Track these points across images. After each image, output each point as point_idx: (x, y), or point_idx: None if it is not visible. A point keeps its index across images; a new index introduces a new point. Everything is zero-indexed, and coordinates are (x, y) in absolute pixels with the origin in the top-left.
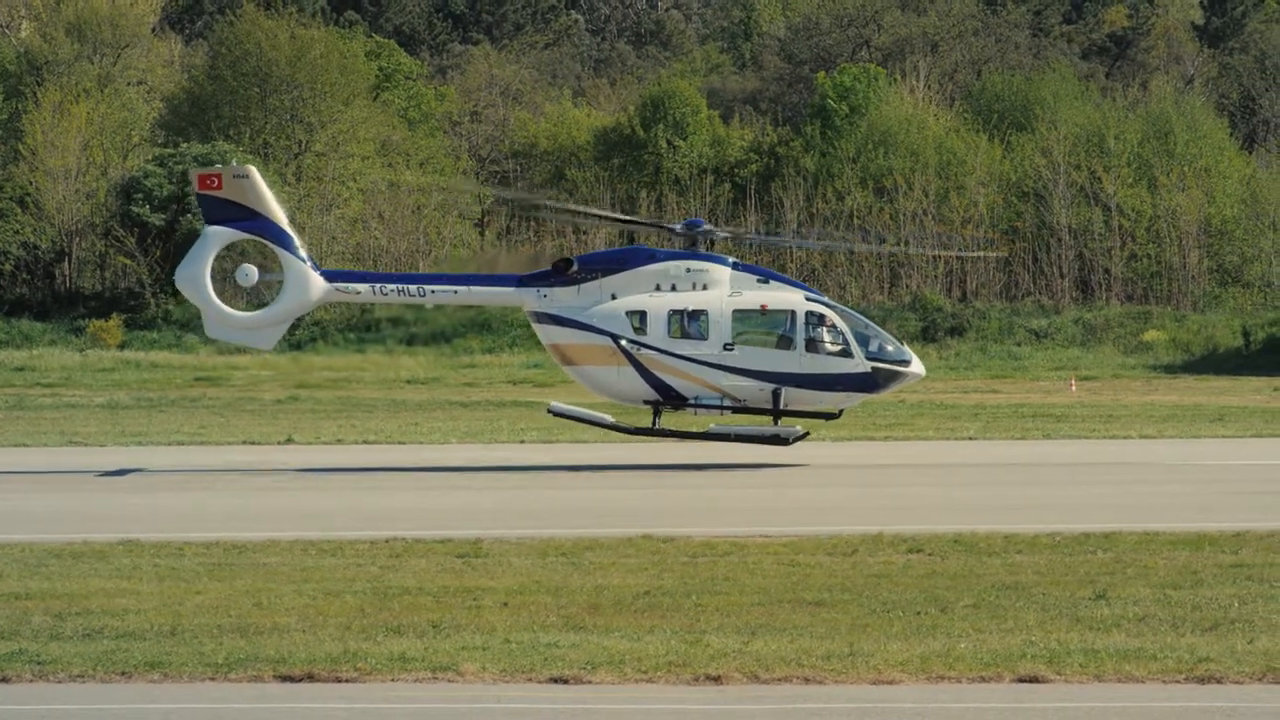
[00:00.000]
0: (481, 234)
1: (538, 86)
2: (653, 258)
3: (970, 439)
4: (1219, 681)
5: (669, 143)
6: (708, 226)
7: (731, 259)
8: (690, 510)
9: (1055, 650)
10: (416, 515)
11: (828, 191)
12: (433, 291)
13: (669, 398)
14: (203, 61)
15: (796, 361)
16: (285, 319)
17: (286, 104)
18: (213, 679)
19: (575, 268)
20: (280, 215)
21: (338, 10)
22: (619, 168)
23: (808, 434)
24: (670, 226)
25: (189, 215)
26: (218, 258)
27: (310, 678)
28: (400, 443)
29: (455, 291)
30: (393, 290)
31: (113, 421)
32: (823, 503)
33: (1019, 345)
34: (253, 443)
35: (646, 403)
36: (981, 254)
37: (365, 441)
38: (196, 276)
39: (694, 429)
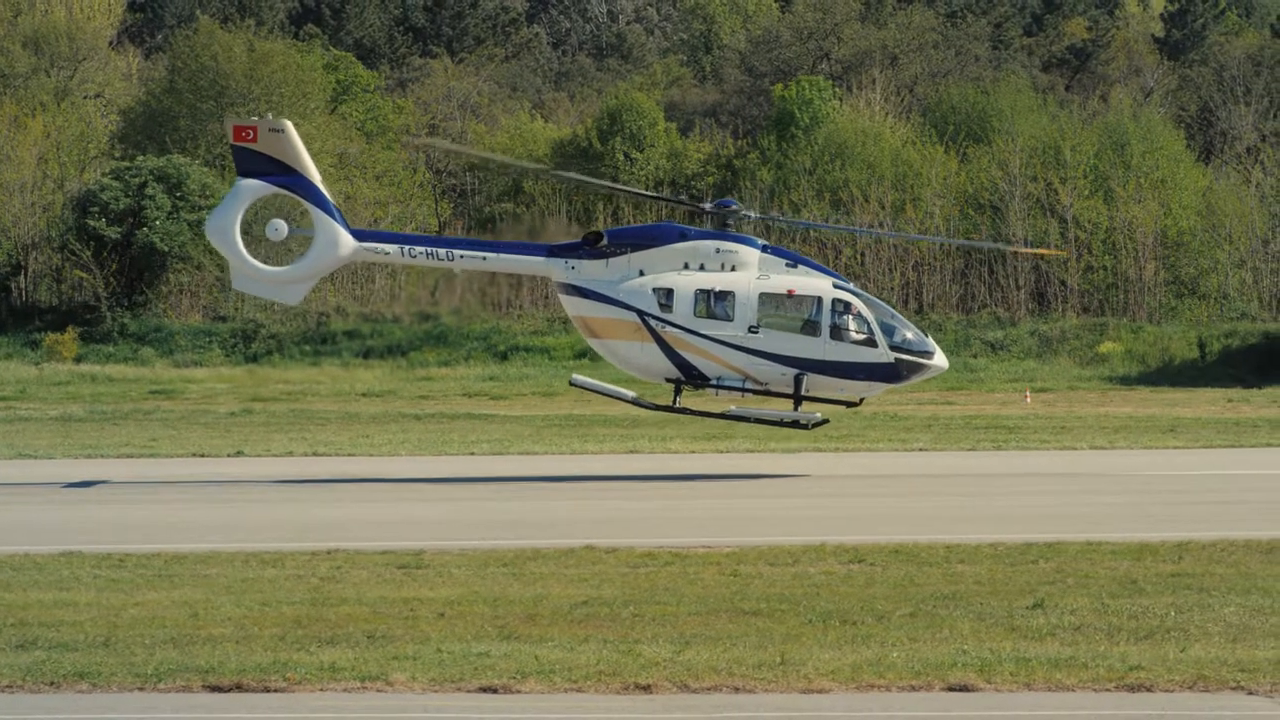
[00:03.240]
0: None
1: (496, 99)
2: (683, 236)
3: (920, 450)
4: (1149, 690)
5: (626, 155)
6: (738, 207)
7: (761, 241)
8: (635, 521)
9: (987, 659)
10: (360, 526)
11: (784, 204)
12: (461, 256)
13: (691, 377)
14: (161, 75)
15: (821, 348)
16: (313, 275)
17: (243, 117)
18: (141, 689)
19: (605, 241)
20: (313, 171)
21: (298, 24)
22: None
23: (827, 420)
24: (700, 205)
25: (145, 229)
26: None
27: (239, 688)
28: (350, 454)
29: (484, 258)
30: (421, 253)
31: (64, 435)
32: (767, 513)
33: (975, 357)
34: (202, 455)
35: (668, 380)
36: (1040, 252)
37: (315, 453)
38: (226, 228)
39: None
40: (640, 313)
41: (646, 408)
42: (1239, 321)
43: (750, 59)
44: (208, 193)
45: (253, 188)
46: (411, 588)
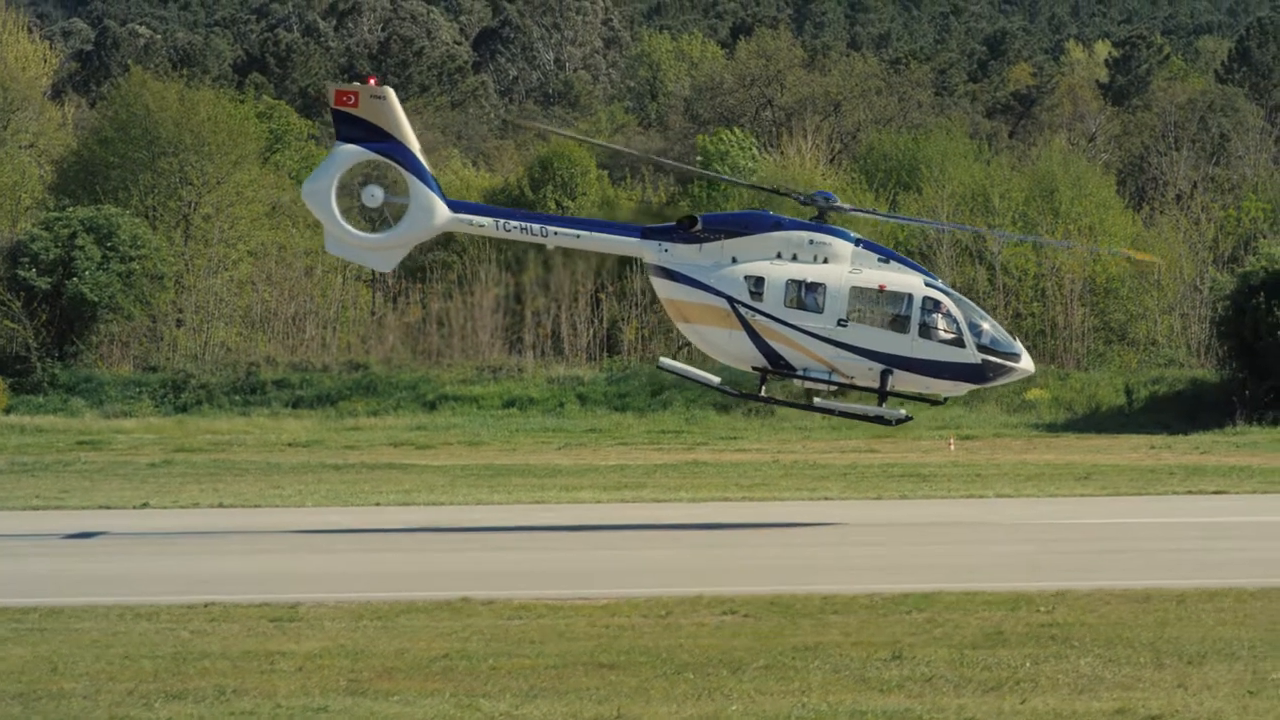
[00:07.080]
0: (374, 294)
1: (439, 147)
2: (778, 225)
3: (825, 499)
4: None
5: (558, 203)
6: (838, 201)
7: (855, 235)
8: (516, 574)
9: (823, 712)
10: (241, 579)
11: None
12: (555, 233)
13: (778, 366)
14: (94, 124)
15: (909, 345)
16: (407, 243)
17: (174, 166)
18: None
19: (700, 226)
20: (413, 140)
21: (242, 73)
22: None
23: (910, 418)
24: (797, 195)
25: (75, 279)
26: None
27: None
28: (256, 506)
29: (578, 236)
30: (516, 227)
31: None
32: (652, 564)
33: (902, 404)
34: (108, 507)
35: (755, 369)
36: (1129, 253)
37: (221, 505)
38: (322, 191)
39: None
40: (731, 299)
41: (732, 395)
42: (1166, 368)
43: (694, 105)
44: (138, 243)
45: (351, 153)
46: (279, 641)
